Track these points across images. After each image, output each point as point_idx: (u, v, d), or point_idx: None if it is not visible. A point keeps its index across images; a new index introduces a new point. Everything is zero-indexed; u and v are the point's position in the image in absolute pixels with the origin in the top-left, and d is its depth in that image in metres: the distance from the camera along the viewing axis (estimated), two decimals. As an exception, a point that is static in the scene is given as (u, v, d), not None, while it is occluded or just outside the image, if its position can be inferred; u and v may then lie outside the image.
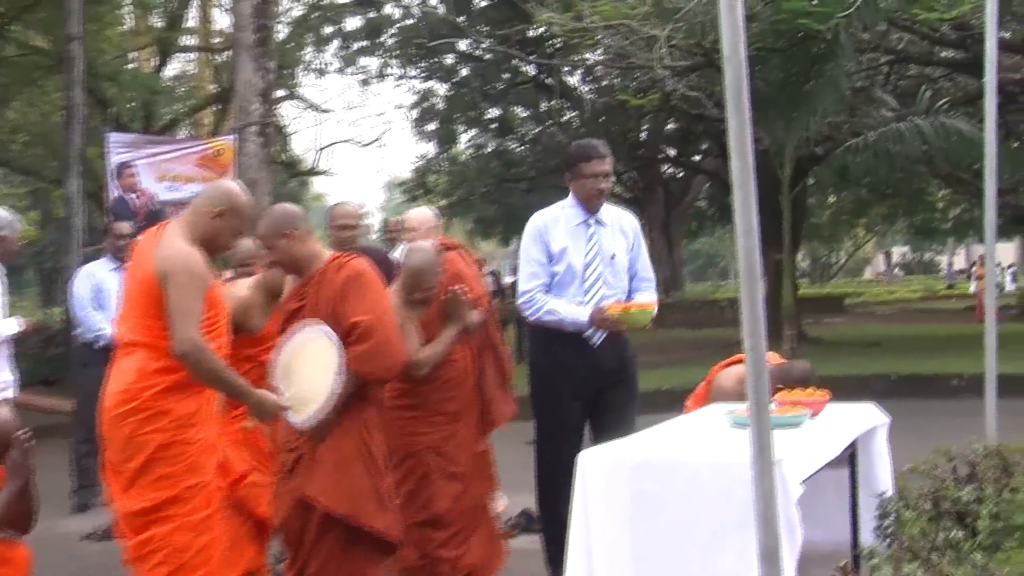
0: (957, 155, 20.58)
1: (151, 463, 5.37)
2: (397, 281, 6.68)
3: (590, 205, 7.00)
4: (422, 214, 8.34)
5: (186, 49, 31.72)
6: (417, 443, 6.64)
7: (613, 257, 7.01)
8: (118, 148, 14.48)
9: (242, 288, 6.68)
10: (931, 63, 22.31)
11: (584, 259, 6.93)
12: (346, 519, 5.72)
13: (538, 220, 7.05)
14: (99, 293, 10.18)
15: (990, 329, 7.09)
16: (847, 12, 15.64)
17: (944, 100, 20.05)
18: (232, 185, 5.94)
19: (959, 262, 78.72)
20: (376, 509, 5.79)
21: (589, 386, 6.93)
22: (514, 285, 27.35)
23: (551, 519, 6.84)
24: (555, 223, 7.00)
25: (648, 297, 7.10)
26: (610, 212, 7.17)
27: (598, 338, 6.87)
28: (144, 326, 5.46)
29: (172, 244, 5.49)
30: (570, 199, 7.06)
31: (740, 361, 6.96)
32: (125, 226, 10.63)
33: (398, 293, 6.64)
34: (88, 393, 9.71)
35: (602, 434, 6.74)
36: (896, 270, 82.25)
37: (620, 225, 7.16)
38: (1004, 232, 32.44)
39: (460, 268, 7.03)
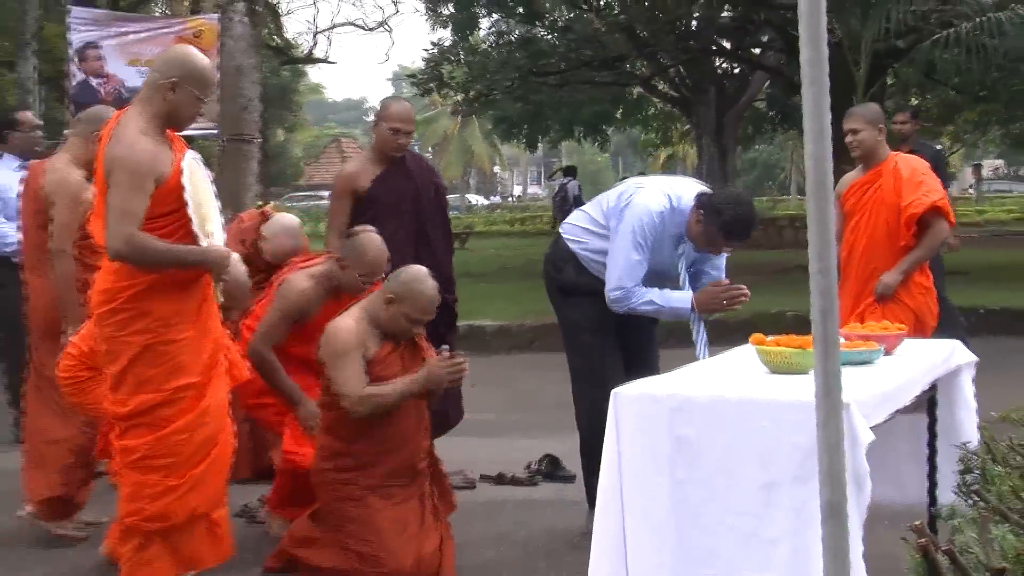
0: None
1: (133, 365, 5.74)
2: (390, 295, 6.54)
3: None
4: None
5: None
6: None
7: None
8: (82, 26, 14.42)
9: (302, 280, 7.11)
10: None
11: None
12: None
13: (657, 212, 7.08)
14: (2, 199, 9.89)
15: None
16: None
17: (1062, -18, 19.68)
18: (184, 49, 6.16)
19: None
20: None
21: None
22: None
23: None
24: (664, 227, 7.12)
25: None
26: None
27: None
28: None
29: (119, 137, 5.72)
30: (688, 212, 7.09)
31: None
32: (31, 116, 10.53)
33: (382, 308, 6.57)
34: (9, 317, 9.57)
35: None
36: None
37: None
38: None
39: None
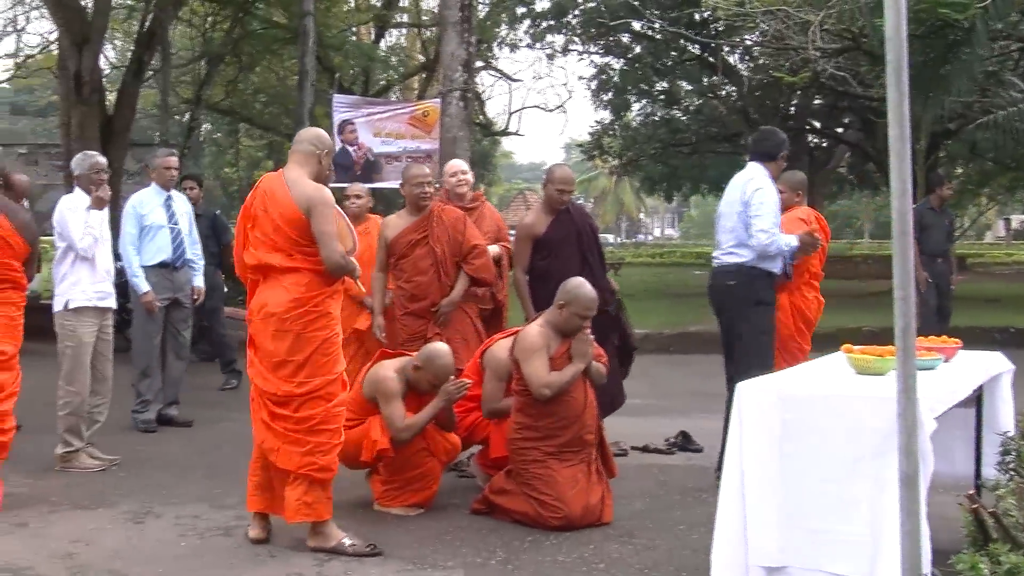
0: (1077, 134, 19.83)
1: (314, 354, 5.87)
2: (561, 303, 6.66)
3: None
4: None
5: (400, 25, 32.10)
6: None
7: None
8: (341, 108, 14.67)
9: (500, 352, 7.14)
10: (1058, 50, 21.37)
11: None
12: None
13: (769, 183, 7.70)
14: None
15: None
16: (983, 3, 15.02)
17: (1068, 85, 19.26)
18: (320, 131, 6.36)
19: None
20: None
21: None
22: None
23: None
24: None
25: None
26: None
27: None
28: (302, 253, 5.89)
29: (303, 185, 5.92)
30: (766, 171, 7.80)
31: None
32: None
33: (557, 314, 6.68)
34: None
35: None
36: None
37: None
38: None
39: None
